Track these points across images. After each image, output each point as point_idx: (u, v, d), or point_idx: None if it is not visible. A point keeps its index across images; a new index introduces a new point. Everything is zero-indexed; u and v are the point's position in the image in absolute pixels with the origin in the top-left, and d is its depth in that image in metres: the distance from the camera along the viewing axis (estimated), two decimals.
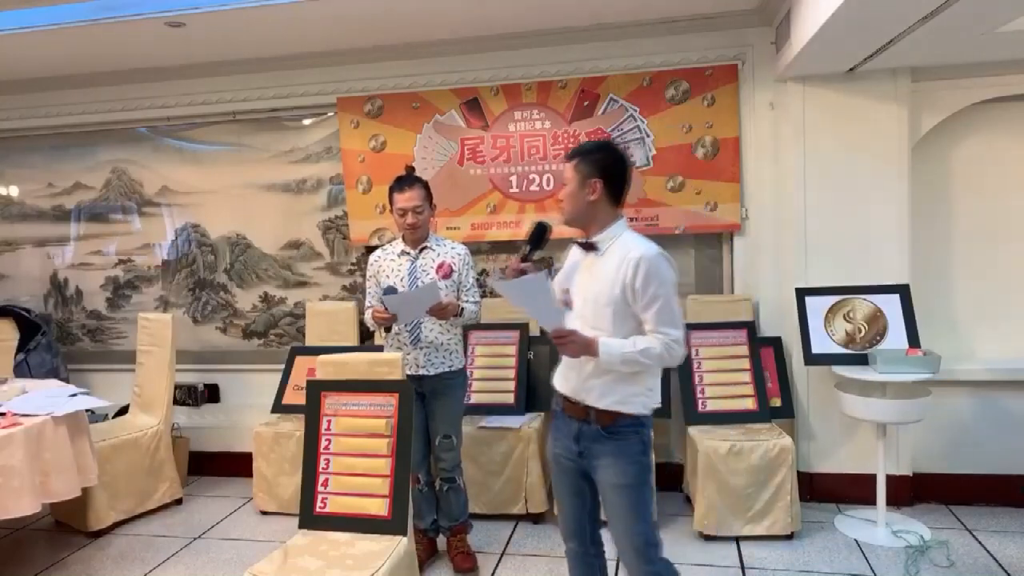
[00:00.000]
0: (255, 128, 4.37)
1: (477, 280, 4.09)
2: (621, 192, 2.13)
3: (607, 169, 2.09)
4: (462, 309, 3.02)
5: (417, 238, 3.06)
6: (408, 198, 2.97)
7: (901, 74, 3.48)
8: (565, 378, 2.18)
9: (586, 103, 3.89)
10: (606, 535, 2.29)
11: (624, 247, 2.07)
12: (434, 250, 3.08)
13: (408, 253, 3.08)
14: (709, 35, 3.74)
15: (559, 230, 2.35)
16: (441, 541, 3.28)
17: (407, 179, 3.02)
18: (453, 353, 3.08)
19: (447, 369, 3.05)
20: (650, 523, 2.12)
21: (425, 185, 3.04)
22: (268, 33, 3.73)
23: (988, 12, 2.58)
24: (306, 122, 4.33)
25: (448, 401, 3.07)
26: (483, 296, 3.74)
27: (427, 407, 3.08)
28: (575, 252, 2.23)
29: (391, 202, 3.03)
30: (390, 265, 3.10)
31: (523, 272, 2.10)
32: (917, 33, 2.78)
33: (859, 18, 2.61)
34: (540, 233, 2.23)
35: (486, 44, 3.92)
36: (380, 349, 3.35)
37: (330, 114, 4.24)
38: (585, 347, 2.02)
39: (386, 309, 2.88)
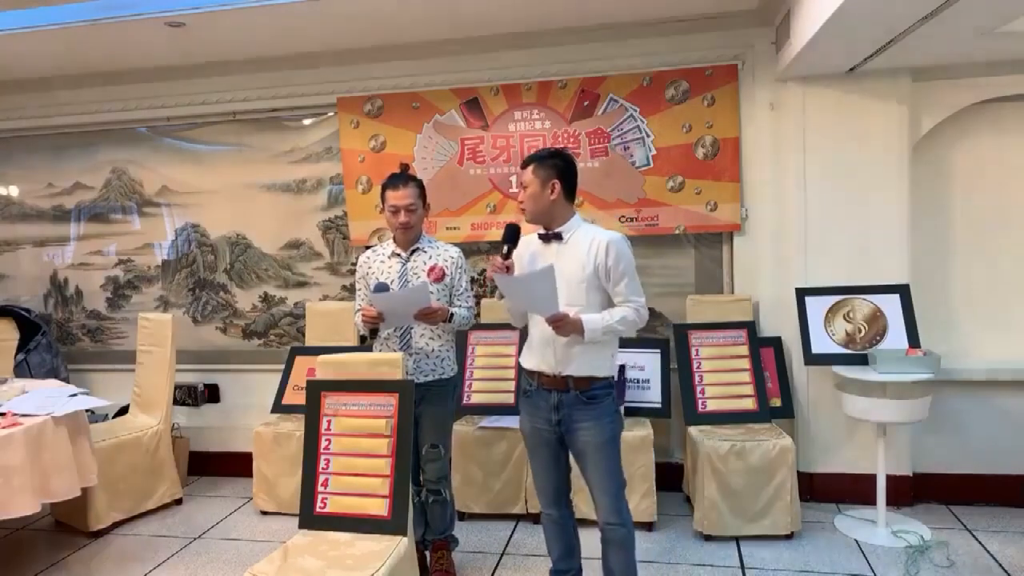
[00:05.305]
0: (255, 128, 4.37)
1: (474, 279, 4.13)
2: (574, 190, 2.47)
3: (563, 172, 2.41)
4: (452, 315, 2.89)
5: (409, 238, 2.94)
6: (401, 196, 2.85)
7: (901, 74, 3.48)
8: (541, 357, 2.45)
9: (586, 103, 3.89)
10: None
11: (588, 234, 2.41)
12: (426, 252, 2.96)
13: (399, 255, 2.96)
14: (709, 35, 3.74)
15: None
16: None
17: (401, 176, 2.91)
18: (444, 360, 2.95)
19: (437, 377, 2.93)
20: (621, 474, 2.48)
21: (419, 183, 2.93)
22: (268, 33, 3.74)
23: (988, 12, 2.58)
24: (306, 122, 4.33)
25: (437, 410, 2.95)
26: (478, 300, 3.71)
27: (416, 415, 2.83)
28: (532, 244, 2.51)
29: (383, 199, 2.91)
30: (380, 267, 2.97)
31: (508, 269, 2.39)
32: (917, 33, 2.78)
33: (859, 18, 2.61)
34: (515, 233, 2.46)
35: (486, 44, 3.92)
36: None
37: (330, 114, 4.24)
38: (574, 326, 2.31)
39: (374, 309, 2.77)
